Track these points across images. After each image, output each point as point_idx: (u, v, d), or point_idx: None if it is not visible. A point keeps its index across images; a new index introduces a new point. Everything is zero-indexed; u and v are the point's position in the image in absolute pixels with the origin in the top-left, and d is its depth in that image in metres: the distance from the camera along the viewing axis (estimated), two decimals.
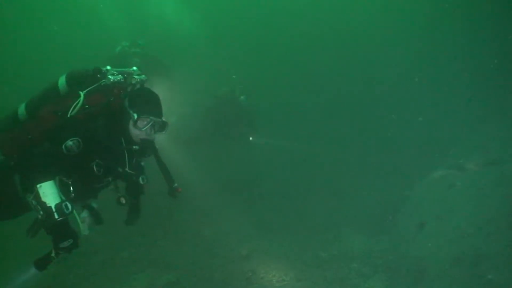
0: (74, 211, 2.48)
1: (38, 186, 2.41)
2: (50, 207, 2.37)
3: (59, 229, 2.43)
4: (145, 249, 5.68)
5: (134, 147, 2.79)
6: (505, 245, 3.87)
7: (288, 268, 5.05)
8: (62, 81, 2.84)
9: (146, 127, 2.74)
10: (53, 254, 2.50)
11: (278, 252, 5.44)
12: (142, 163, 3.15)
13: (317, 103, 11.06)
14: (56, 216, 2.37)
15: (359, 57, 12.42)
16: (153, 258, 5.48)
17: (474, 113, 7.51)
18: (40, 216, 2.40)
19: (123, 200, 3.07)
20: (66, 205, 2.40)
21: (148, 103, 2.82)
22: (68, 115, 2.63)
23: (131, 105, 2.75)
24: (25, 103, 2.83)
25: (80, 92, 2.71)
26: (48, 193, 2.41)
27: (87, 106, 2.67)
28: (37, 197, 2.39)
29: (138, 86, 2.92)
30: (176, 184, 3.08)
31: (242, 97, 7.77)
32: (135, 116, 2.70)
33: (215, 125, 7.78)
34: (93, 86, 2.78)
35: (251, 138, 7.83)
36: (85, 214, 3.00)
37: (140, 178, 3.05)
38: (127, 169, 2.88)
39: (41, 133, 2.69)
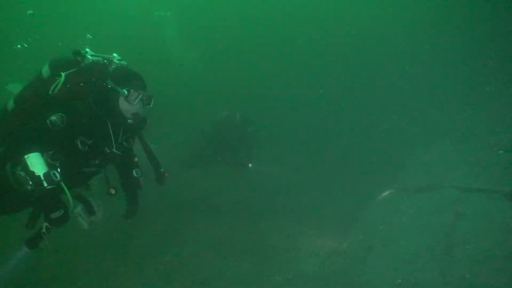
0: (62, 183, 2.56)
1: (25, 157, 2.49)
2: (38, 176, 2.45)
3: (48, 198, 2.51)
4: (102, 276, 5.67)
5: (128, 121, 2.94)
6: (438, 273, 4.19)
7: None
8: (46, 68, 2.96)
9: (137, 101, 2.93)
10: (43, 230, 2.60)
11: (235, 277, 5.58)
12: (128, 145, 3.27)
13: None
14: (45, 184, 2.45)
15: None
16: (110, 285, 5.49)
17: (425, 133, 7.92)
18: (29, 187, 2.45)
19: (112, 191, 3.20)
20: (54, 174, 2.49)
21: (134, 78, 3.03)
22: (51, 94, 2.77)
23: (118, 82, 2.92)
24: (14, 96, 2.96)
25: (62, 73, 2.86)
26: (36, 163, 2.48)
27: (68, 85, 2.81)
28: (25, 167, 2.46)
29: (111, 65, 3.10)
30: (162, 169, 3.23)
31: (241, 121, 7.76)
32: (125, 91, 2.88)
33: (213, 150, 7.75)
34: (74, 69, 2.93)
35: (250, 165, 7.82)
36: (79, 208, 3.03)
37: (134, 171, 3.15)
38: (114, 150, 2.99)
39: (26, 115, 2.80)
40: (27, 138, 2.63)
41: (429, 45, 11.40)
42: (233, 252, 6.33)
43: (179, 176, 7.52)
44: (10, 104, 2.93)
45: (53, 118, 2.64)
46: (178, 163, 7.75)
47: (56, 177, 2.50)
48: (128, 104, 2.94)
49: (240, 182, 8.64)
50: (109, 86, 2.90)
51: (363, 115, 10.72)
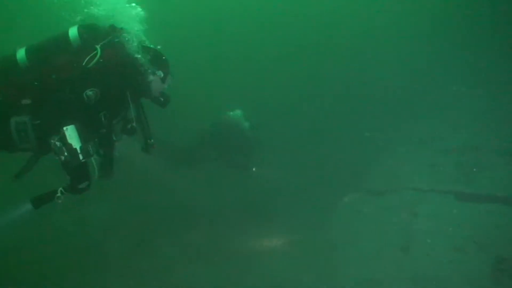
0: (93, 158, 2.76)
1: (64, 128, 2.60)
2: (75, 149, 2.60)
3: (81, 170, 2.69)
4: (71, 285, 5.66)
5: (160, 99, 3.25)
6: (397, 269, 4.46)
7: None
8: (74, 32, 2.94)
9: (169, 82, 3.28)
10: (58, 194, 2.72)
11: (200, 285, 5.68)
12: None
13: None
14: (81, 157, 2.62)
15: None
16: None
17: (390, 139, 8.26)
18: (63, 158, 2.58)
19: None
20: (89, 148, 2.67)
21: (168, 63, 3.29)
22: (86, 67, 2.78)
23: (155, 63, 3.16)
24: (26, 49, 2.89)
25: (97, 46, 2.87)
26: (73, 136, 2.61)
27: (101, 60, 2.84)
28: (63, 139, 2.59)
29: (142, 43, 3.18)
30: (152, 140, 3.34)
31: (247, 124, 7.50)
32: (162, 73, 3.19)
33: (217, 151, 7.64)
34: (106, 41, 2.95)
35: (254, 169, 7.83)
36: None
37: (113, 135, 3.25)
38: (133, 124, 3.18)
39: (54, 81, 2.80)
40: (65, 109, 2.71)
41: (396, 53, 11.86)
42: (200, 259, 6.41)
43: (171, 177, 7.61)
44: (22, 58, 2.86)
45: (89, 93, 2.71)
46: (171, 161, 7.66)
47: (91, 152, 2.68)
48: (161, 84, 3.23)
49: (234, 184, 8.63)
50: (146, 66, 3.11)
51: (338, 121, 10.95)
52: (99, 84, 2.79)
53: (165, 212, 7.84)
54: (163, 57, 3.29)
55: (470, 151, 6.00)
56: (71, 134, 2.62)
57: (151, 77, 3.14)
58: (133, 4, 3.26)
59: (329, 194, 7.38)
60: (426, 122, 7.95)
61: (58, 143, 2.59)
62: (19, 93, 2.82)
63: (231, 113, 7.65)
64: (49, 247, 6.08)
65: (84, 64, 2.80)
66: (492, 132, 6.40)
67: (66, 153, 2.59)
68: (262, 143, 7.98)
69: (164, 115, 3.88)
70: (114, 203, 7.54)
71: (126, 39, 3.05)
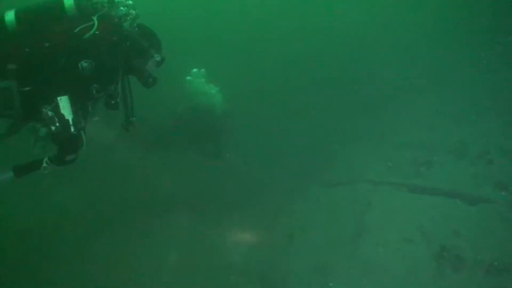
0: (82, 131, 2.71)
1: (58, 98, 2.56)
2: (67, 120, 2.56)
3: (71, 142, 2.65)
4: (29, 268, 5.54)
5: (150, 79, 3.17)
6: (348, 257, 4.64)
7: (175, 282, 5.37)
8: (69, 1, 2.83)
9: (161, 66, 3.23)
10: (45, 165, 2.68)
11: (169, 265, 5.71)
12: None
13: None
14: (73, 129, 2.59)
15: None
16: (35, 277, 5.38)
17: (352, 133, 8.46)
18: (54, 128, 2.54)
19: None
20: (81, 120, 2.65)
21: (161, 45, 3.23)
22: (82, 38, 2.70)
23: (152, 45, 3.13)
24: (15, 13, 2.76)
25: (93, 18, 2.79)
26: (66, 106, 2.57)
27: (97, 32, 2.76)
28: (56, 109, 2.55)
29: (136, 20, 3.13)
30: (134, 118, 3.29)
31: (221, 110, 7.31)
32: (159, 57, 3.17)
33: (188, 137, 7.41)
34: (102, 13, 2.88)
35: (228, 155, 7.71)
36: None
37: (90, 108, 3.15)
38: (118, 100, 3.13)
39: (47, 49, 2.70)
40: (60, 79, 2.66)
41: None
42: (166, 243, 6.42)
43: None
44: (11, 21, 2.73)
45: (85, 64, 2.66)
46: (140, 146, 7.52)
47: (82, 124, 2.65)
48: (153, 67, 3.19)
49: (202, 172, 8.57)
50: (145, 47, 3.06)
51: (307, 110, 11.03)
52: (94, 56, 2.73)
53: (130, 201, 7.77)
54: (155, 35, 3.25)
55: (424, 147, 6.27)
56: (64, 104, 2.58)
57: (148, 58, 3.14)
58: None
59: (292, 184, 7.54)
60: (387, 117, 8.21)
61: (50, 113, 2.55)
62: (6, 58, 2.72)
63: (205, 97, 7.47)
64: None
65: (79, 34, 2.73)
66: (447, 129, 6.69)
67: (57, 124, 2.55)
68: (234, 131, 7.99)
69: (139, 94, 3.80)
70: (76, 188, 7.39)
71: (123, 12, 3.01)
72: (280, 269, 5.08)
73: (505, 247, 4.17)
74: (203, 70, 7.34)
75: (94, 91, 2.86)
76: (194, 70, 7.15)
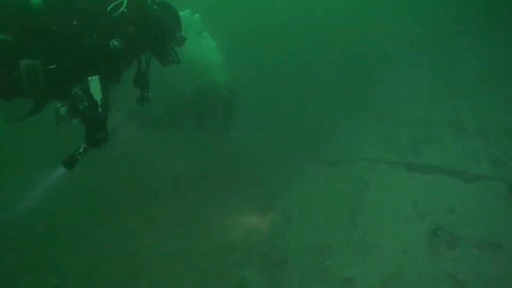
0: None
1: (89, 78, 2.57)
2: (96, 100, 2.59)
3: (99, 121, 2.67)
4: (31, 254, 5.66)
5: (170, 58, 3.21)
6: (345, 236, 4.71)
7: (172, 263, 5.49)
8: None
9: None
10: (80, 150, 2.68)
11: (164, 248, 5.82)
12: None
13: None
14: (100, 110, 2.62)
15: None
16: (38, 263, 5.51)
17: (350, 109, 8.40)
18: (82, 107, 2.57)
19: None
20: (109, 101, 2.69)
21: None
22: (112, 15, 2.71)
23: (177, 25, 3.17)
24: None
25: None
26: (96, 87, 2.58)
27: (125, 10, 2.77)
28: (86, 89, 2.57)
29: None
30: (150, 94, 3.36)
31: (226, 91, 7.43)
32: (181, 37, 3.20)
33: (192, 116, 7.49)
34: None
35: (232, 134, 7.77)
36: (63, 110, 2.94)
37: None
38: (147, 78, 3.27)
39: (76, 27, 2.68)
40: (91, 58, 2.64)
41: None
42: (163, 224, 6.53)
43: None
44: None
45: (116, 43, 2.64)
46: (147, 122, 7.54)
47: (109, 106, 2.69)
48: (175, 45, 3.22)
49: (208, 149, 8.60)
50: (171, 26, 3.07)
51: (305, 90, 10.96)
52: (123, 35, 2.71)
53: (132, 181, 7.83)
54: (178, 15, 3.27)
55: (423, 124, 6.24)
56: (95, 84, 2.58)
57: (172, 37, 3.14)
58: None
59: (292, 163, 7.58)
60: (385, 94, 8.14)
61: (80, 92, 2.55)
62: (32, 36, 2.67)
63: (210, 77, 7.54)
64: None
65: (109, 12, 2.71)
66: (445, 105, 6.64)
67: (86, 103, 2.55)
68: (239, 109, 8.02)
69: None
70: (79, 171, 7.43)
71: None
72: (279, 249, 5.16)
73: (501, 225, 4.22)
74: (197, 16, 7.29)
75: (122, 68, 2.91)
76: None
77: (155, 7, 3.04)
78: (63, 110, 2.85)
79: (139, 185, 7.79)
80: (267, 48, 12.15)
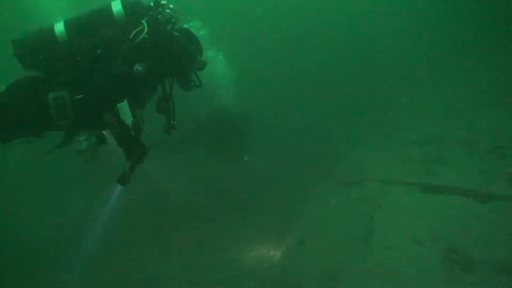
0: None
1: (118, 106, 2.66)
2: (127, 125, 2.69)
3: (133, 142, 2.77)
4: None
5: (191, 83, 3.28)
6: (359, 259, 4.65)
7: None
8: (118, 7, 2.89)
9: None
10: (127, 168, 2.79)
11: (180, 276, 5.84)
12: None
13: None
14: (133, 133, 2.72)
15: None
16: None
17: (362, 130, 8.42)
18: (115, 133, 2.68)
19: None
20: (140, 124, 2.75)
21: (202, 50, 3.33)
22: (134, 42, 2.78)
23: (197, 50, 3.23)
24: (64, 23, 2.83)
25: (143, 22, 2.87)
26: (126, 112, 2.67)
27: (146, 36, 2.84)
28: (116, 115, 2.66)
29: (176, 23, 3.21)
30: (176, 122, 3.37)
31: (238, 112, 7.59)
32: (205, 62, 3.30)
33: (207, 141, 7.60)
34: (150, 16, 2.95)
35: (246, 158, 7.87)
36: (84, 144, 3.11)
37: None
38: (170, 103, 3.24)
39: (100, 56, 2.76)
40: (118, 85, 2.72)
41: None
42: (178, 250, 6.55)
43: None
44: (61, 31, 2.78)
45: (139, 68, 2.71)
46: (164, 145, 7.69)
47: (141, 126, 2.76)
48: (195, 70, 3.30)
49: (221, 174, 8.64)
50: (192, 51, 3.15)
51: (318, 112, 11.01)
52: (146, 59, 2.80)
53: (145, 205, 7.91)
54: (202, 44, 3.33)
55: (434, 143, 6.18)
56: (124, 111, 2.66)
57: (194, 62, 3.22)
58: None
59: (305, 185, 7.56)
60: (395, 113, 8.12)
61: (111, 120, 2.67)
62: (58, 68, 2.79)
63: (224, 101, 7.65)
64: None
65: (132, 39, 2.79)
66: (456, 123, 6.57)
67: (119, 129, 2.67)
68: (251, 134, 8.08)
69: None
70: (92, 196, 7.58)
71: (169, 16, 3.08)
72: (292, 276, 5.12)
73: None
74: (202, 33, 7.38)
75: (147, 94, 2.97)
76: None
77: (175, 32, 3.12)
78: (83, 145, 3.02)
79: (155, 212, 7.89)
80: (277, 66, 12.32)
